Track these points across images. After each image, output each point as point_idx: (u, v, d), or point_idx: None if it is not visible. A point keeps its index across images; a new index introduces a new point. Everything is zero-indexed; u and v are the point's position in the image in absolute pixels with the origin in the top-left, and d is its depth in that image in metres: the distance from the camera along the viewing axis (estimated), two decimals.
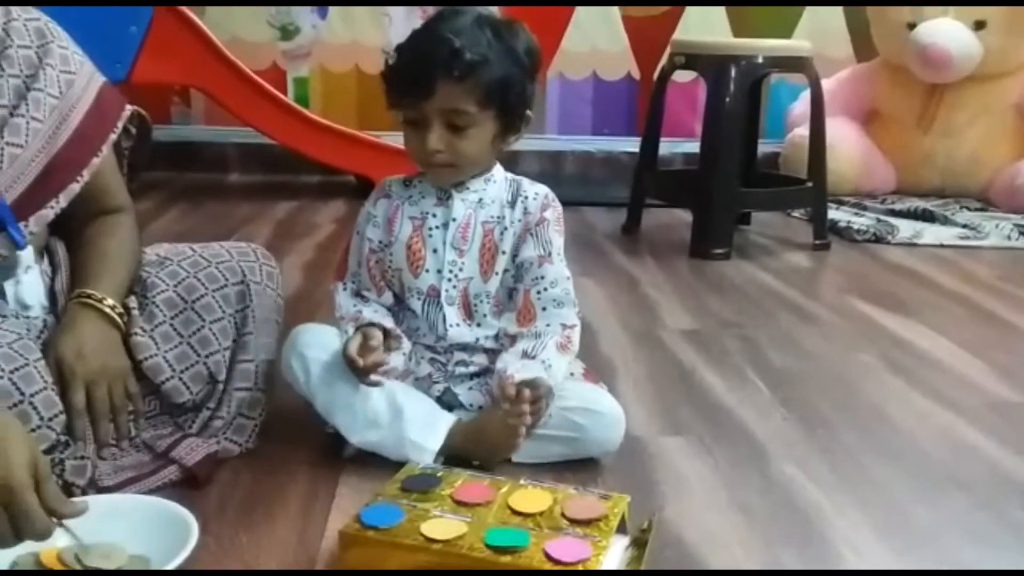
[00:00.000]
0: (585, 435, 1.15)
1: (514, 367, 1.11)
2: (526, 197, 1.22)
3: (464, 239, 1.20)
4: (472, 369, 1.21)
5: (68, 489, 0.98)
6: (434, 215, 1.20)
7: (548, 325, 1.18)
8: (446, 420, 1.14)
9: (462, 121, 1.12)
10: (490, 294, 1.21)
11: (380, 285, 1.22)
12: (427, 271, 1.20)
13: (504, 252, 1.20)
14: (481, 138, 1.14)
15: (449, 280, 1.20)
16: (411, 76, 1.11)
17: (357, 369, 1.11)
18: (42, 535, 0.79)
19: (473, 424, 1.15)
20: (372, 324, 1.16)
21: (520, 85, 1.14)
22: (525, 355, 1.14)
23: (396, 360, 1.18)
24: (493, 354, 1.21)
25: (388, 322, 1.19)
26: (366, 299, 1.22)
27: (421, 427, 1.11)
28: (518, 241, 1.21)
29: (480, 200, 1.21)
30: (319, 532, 1.01)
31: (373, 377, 1.12)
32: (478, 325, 1.21)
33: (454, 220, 1.20)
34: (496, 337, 1.21)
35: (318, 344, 1.17)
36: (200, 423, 1.15)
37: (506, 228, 1.20)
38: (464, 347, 1.21)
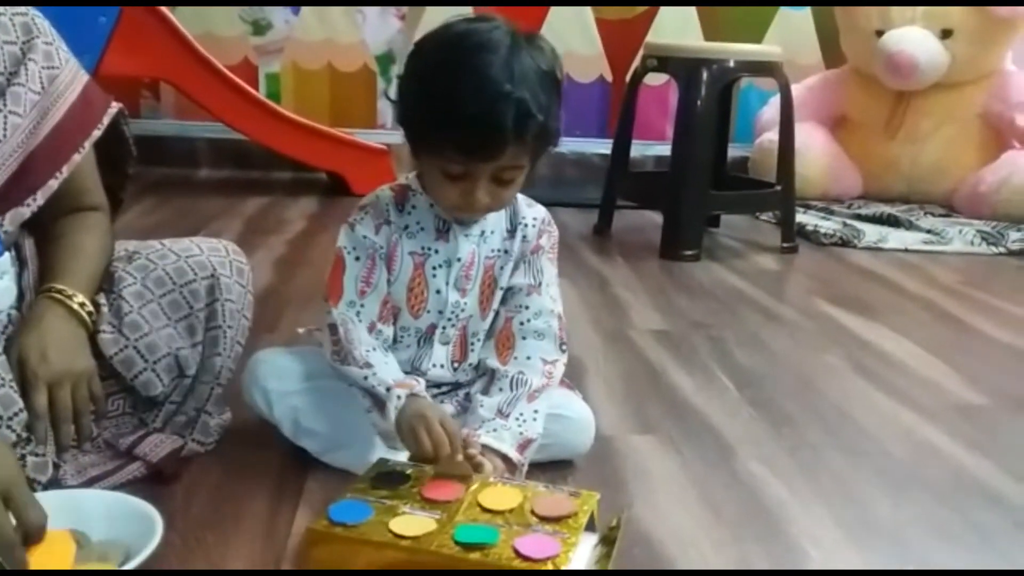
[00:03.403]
0: (555, 440, 1.14)
1: (487, 427, 1.06)
2: (525, 224, 1.15)
3: (468, 278, 1.13)
4: (444, 388, 1.19)
5: (30, 485, 0.96)
6: (436, 251, 1.12)
7: (528, 359, 1.13)
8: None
9: (513, 174, 1.04)
10: (485, 329, 1.17)
11: (389, 319, 1.13)
12: (428, 312, 1.13)
13: (501, 288, 1.15)
14: (521, 181, 1.07)
15: (449, 319, 1.14)
16: (477, 140, 0.99)
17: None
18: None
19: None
20: (420, 395, 1.04)
21: (559, 119, 1.04)
22: (499, 412, 1.08)
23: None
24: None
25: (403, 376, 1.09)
26: (378, 334, 1.11)
27: (384, 450, 1.08)
28: (512, 270, 1.16)
29: (482, 233, 1.13)
30: (286, 529, 1.00)
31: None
32: (469, 365, 1.16)
33: (459, 260, 1.12)
34: (476, 367, 1.17)
35: (277, 375, 1.14)
36: (164, 417, 1.13)
37: (507, 263, 1.14)
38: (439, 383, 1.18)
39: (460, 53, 1.01)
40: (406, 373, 1.14)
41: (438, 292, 1.13)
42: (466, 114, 0.98)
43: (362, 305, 1.11)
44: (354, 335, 1.09)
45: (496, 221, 1.15)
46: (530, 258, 1.16)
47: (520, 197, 1.16)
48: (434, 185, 1.08)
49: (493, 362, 1.14)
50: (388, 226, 1.12)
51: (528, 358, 1.13)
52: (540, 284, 1.16)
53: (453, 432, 1.01)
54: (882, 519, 1.09)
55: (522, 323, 1.15)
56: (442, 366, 1.16)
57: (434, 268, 1.13)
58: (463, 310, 1.14)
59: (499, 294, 1.16)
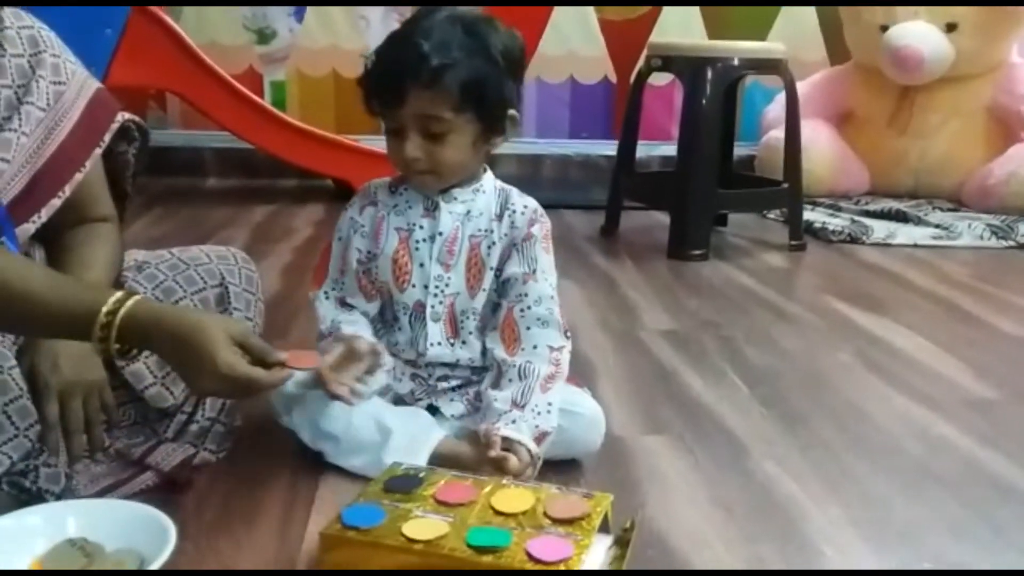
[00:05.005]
0: (565, 436, 1.14)
1: (505, 419, 1.08)
2: (514, 211, 1.18)
3: (451, 253, 1.17)
4: (454, 383, 1.20)
5: (42, 496, 0.97)
6: (421, 227, 1.17)
7: (535, 348, 1.14)
8: (428, 446, 1.11)
9: (438, 128, 1.09)
10: (476, 310, 1.18)
11: (372, 294, 1.19)
12: (413, 286, 1.17)
13: (491, 268, 1.18)
14: (460, 144, 1.11)
15: (435, 295, 1.17)
16: (382, 84, 1.09)
17: (327, 389, 1.05)
18: (276, 385, 0.97)
19: (455, 452, 1.11)
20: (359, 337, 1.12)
21: (496, 84, 1.10)
22: (515, 404, 1.10)
23: (378, 380, 1.14)
24: (476, 368, 1.20)
25: (370, 336, 1.16)
26: (350, 308, 1.19)
27: (403, 454, 1.08)
28: (503, 256, 1.18)
29: (468, 212, 1.17)
30: (299, 535, 1.00)
31: (344, 396, 1.05)
32: (463, 343, 1.18)
33: (441, 234, 1.16)
34: (482, 354, 1.18)
35: (297, 379, 1.14)
36: (176, 427, 1.13)
37: (494, 243, 1.17)
38: (445, 363, 1.19)
39: (407, 20, 1.13)
40: (408, 357, 1.19)
41: (421, 265, 1.17)
42: (377, 61, 1.11)
43: (343, 283, 1.19)
44: (320, 312, 1.19)
45: (485, 204, 1.18)
46: (522, 246, 1.18)
47: (513, 189, 1.21)
48: (388, 150, 1.14)
49: (500, 353, 1.15)
50: (373, 207, 1.19)
51: (535, 347, 1.15)
52: (535, 271, 1.17)
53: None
54: (896, 516, 1.09)
55: (523, 312, 1.16)
56: (439, 343, 1.18)
57: (418, 242, 1.17)
58: (448, 285, 1.17)
59: (489, 275, 1.18)
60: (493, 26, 1.12)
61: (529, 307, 1.16)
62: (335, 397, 1.05)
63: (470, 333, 1.19)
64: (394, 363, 1.21)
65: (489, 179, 1.21)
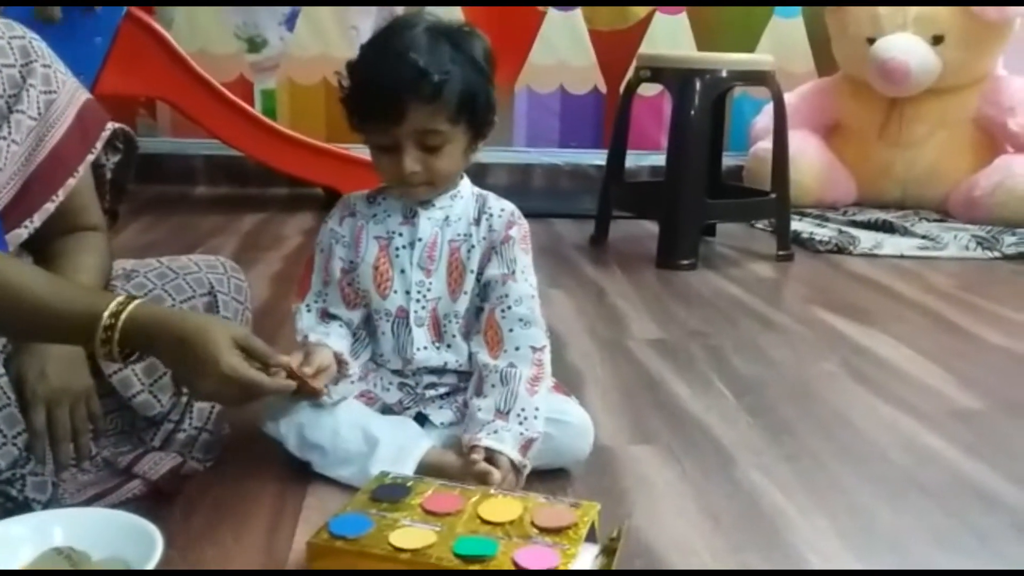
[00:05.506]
0: (554, 445, 1.15)
1: (487, 429, 1.09)
2: (491, 215, 1.20)
3: (431, 259, 1.18)
4: (442, 390, 1.20)
5: (29, 505, 0.96)
6: (400, 234, 1.18)
7: (518, 349, 1.15)
8: (415, 457, 1.11)
9: (436, 140, 1.10)
10: (459, 314, 1.19)
11: (355, 302, 1.20)
12: (395, 292, 1.18)
13: (472, 271, 1.19)
14: (455, 153, 1.13)
15: (418, 301, 1.18)
16: (379, 102, 1.08)
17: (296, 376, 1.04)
18: (279, 390, 0.99)
19: (441, 463, 1.12)
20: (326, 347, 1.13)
21: (485, 93, 1.12)
22: (498, 412, 1.11)
23: (340, 391, 1.15)
24: (463, 374, 1.20)
25: (343, 347, 1.16)
26: (332, 319, 1.19)
27: (390, 464, 1.08)
28: (483, 260, 1.19)
29: (447, 218, 1.19)
30: (287, 544, 1.00)
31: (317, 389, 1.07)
32: (447, 347, 1.19)
33: (420, 240, 1.18)
34: (469, 358, 1.19)
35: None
36: (162, 436, 1.13)
37: (473, 246, 1.19)
38: (432, 370, 1.20)
39: (383, 33, 1.12)
40: (393, 367, 1.20)
41: (403, 272, 1.18)
42: (367, 78, 1.09)
43: (326, 295, 1.20)
44: (299, 325, 1.19)
45: (464, 209, 1.20)
46: (501, 248, 1.19)
47: (490, 194, 1.23)
48: (377, 165, 1.14)
49: (484, 356, 1.16)
50: (352, 217, 1.21)
51: (517, 348, 1.16)
52: (514, 272, 1.18)
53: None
54: (881, 525, 1.10)
55: (504, 312, 1.17)
56: (425, 348, 1.19)
57: (398, 249, 1.18)
58: (429, 290, 1.18)
59: (470, 278, 1.19)
60: (471, 33, 1.13)
61: (510, 307, 1.17)
62: (300, 391, 1.04)
63: (454, 336, 1.19)
64: (378, 374, 1.22)
65: (466, 185, 1.22)
